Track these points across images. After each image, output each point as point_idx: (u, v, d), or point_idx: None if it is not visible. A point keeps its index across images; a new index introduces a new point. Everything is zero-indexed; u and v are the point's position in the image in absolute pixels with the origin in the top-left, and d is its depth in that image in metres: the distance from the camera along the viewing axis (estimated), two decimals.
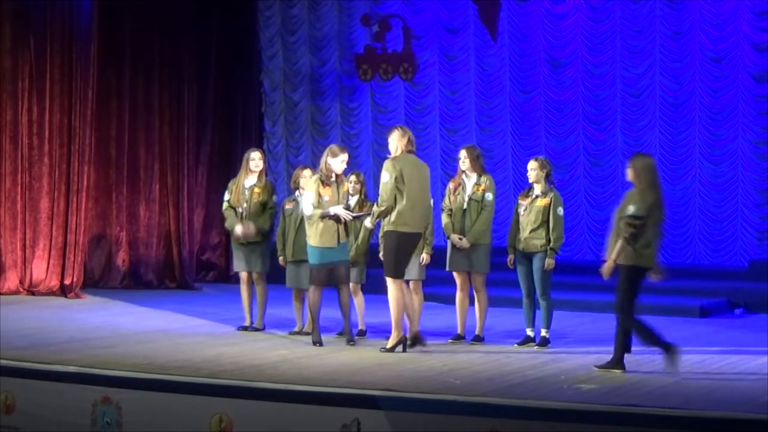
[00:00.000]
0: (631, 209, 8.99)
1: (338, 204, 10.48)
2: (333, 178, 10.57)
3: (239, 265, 11.62)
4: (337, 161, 10.54)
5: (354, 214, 10.55)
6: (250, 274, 11.54)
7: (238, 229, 11.43)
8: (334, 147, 10.74)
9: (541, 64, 16.37)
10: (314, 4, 17.72)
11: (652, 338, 9.07)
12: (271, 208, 11.51)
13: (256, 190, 11.49)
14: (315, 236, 10.43)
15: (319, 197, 10.45)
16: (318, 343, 10.52)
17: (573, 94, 16.20)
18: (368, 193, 11.36)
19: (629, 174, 9.18)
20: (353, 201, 11.08)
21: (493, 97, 16.76)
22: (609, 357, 9.31)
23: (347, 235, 10.57)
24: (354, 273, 11.05)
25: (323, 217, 10.38)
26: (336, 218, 10.41)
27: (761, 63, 15.07)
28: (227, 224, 11.68)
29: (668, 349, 9.01)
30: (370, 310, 11.28)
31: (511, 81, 16.60)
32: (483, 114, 16.84)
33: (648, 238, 9.02)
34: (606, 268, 9.08)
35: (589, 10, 16.11)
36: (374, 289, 11.60)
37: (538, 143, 16.20)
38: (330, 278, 10.53)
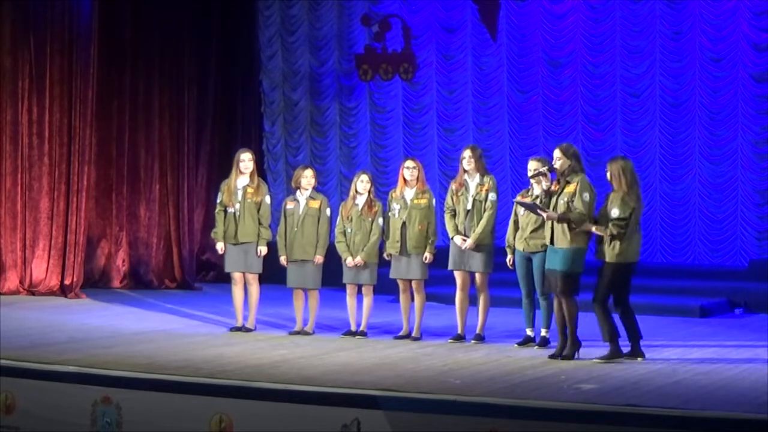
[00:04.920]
0: (615, 212, 9.54)
1: None
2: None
3: (232, 266, 11.56)
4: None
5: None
6: (242, 274, 11.52)
7: (220, 247, 11.51)
8: None
9: (540, 64, 16.35)
10: (314, 4, 17.71)
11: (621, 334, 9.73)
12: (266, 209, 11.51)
13: (249, 190, 11.47)
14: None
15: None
16: (573, 357, 9.85)
17: (572, 94, 16.18)
18: (375, 191, 11.33)
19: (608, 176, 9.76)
20: (362, 201, 11.08)
21: (490, 97, 16.73)
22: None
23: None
24: (366, 274, 11.04)
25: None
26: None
27: (761, 63, 15.06)
28: (214, 233, 11.65)
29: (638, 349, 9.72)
30: (372, 310, 11.25)
31: (509, 81, 16.58)
32: (480, 114, 16.82)
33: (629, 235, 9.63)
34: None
35: (589, 10, 16.09)
36: (377, 289, 11.52)
37: (537, 143, 16.17)
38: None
